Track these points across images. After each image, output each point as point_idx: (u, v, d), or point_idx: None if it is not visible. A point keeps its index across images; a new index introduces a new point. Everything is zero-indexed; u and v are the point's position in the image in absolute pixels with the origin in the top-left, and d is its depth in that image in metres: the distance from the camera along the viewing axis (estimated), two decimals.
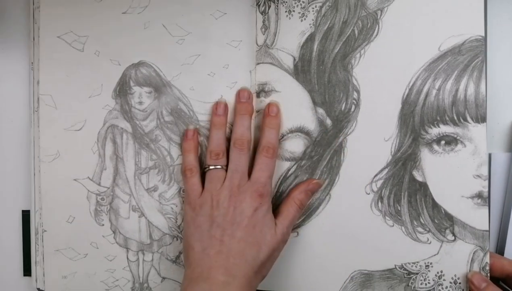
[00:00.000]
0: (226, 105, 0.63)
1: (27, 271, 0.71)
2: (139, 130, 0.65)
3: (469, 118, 0.56)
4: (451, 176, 0.57)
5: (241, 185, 0.59)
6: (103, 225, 0.67)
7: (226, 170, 0.61)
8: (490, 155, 0.61)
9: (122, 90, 0.65)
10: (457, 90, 0.56)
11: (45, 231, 0.67)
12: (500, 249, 0.61)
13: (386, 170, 0.59)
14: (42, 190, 0.67)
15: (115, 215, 0.66)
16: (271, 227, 0.58)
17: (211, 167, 0.61)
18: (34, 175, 0.67)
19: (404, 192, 0.59)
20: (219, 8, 0.63)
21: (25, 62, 0.70)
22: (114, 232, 0.67)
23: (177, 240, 0.66)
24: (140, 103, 0.65)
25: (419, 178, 0.58)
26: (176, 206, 0.65)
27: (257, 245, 0.57)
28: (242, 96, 0.62)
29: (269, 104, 0.62)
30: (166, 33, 0.64)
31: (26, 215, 0.71)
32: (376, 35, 0.59)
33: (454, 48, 0.56)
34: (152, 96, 0.65)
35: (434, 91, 0.57)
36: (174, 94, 0.65)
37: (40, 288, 0.68)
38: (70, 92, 0.66)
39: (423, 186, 0.58)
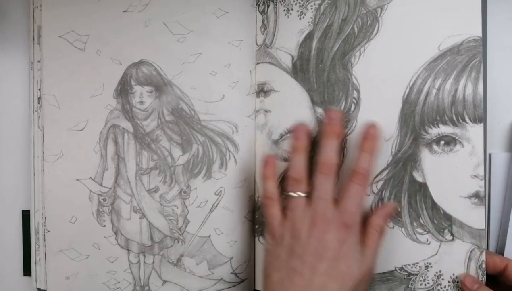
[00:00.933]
0: (307, 128, 0.63)
1: (27, 271, 0.75)
2: (140, 130, 0.69)
3: (467, 119, 0.59)
4: (450, 176, 0.60)
5: (326, 213, 0.58)
6: (105, 226, 0.70)
7: (307, 196, 0.60)
8: (490, 155, 0.64)
9: (123, 89, 0.69)
10: (456, 90, 0.60)
11: (48, 231, 0.70)
12: (500, 249, 0.64)
13: (387, 171, 0.63)
14: (46, 190, 0.70)
15: (116, 216, 0.70)
16: (358, 259, 0.58)
17: (292, 194, 0.61)
18: (34, 174, 0.71)
19: (404, 193, 0.62)
20: (221, 7, 0.67)
21: (25, 62, 0.74)
22: (115, 233, 0.70)
23: (178, 242, 0.69)
24: (141, 102, 0.69)
25: (419, 179, 0.61)
26: (177, 208, 0.69)
27: (340, 279, 0.56)
28: (331, 117, 0.62)
29: (368, 126, 0.61)
30: (167, 31, 0.68)
31: (26, 215, 0.74)
32: (376, 33, 0.62)
33: (453, 47, 0.59)
34: (153, 96, 0.69)
35: (434, 91, 0.60)
36: (175, 94, 0.68)
37: (41, 288, 0.72)
38: (72, 92, 0.70)
39: (423, 187, 0.61)
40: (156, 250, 0.71)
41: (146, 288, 0.71)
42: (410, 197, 0.63)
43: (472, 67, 0.60)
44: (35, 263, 0.72)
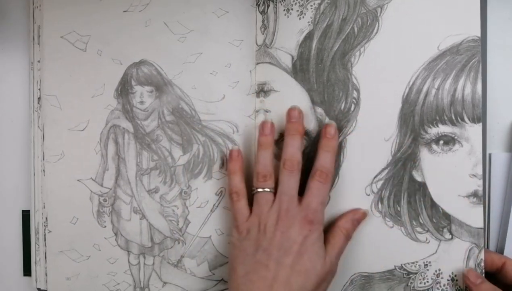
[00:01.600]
0: (273, 125, 0.65)
1: (27, 271, 0.75)
2: (141, 130, 0.70)
3: (466, 118, 0.60)
4: (449, 176, 0.61)
5: (290, 209, 0.60)
6: (105, 226, 0.71)
7: (274, 193, 0.62)
8: (490, 155, 0.65)
9: (123, 89, 0.69)
10: (455, 90, 0.61)
11: (50, 231, 0.71)
12: (500, 248, 0.65)
13: (387, 171, 0.63)
14: (48, 190, 0.71)
15: (117, 217, 0.71)
16: (321, 256, 0.60)
17: (259, 190, 0.63)
18: (34, 174, 0.72)
19: (404, 193, 0.63)
20: (221, 6, 0.67)
21: (25, 62, 0.74)
22: (115, 234, 0.71)
23: (178, 243, 0.70)
24: (142, 102, 0.69)
25: (418, 178, 0.62)
26: (178, 208, 0.70)
27: (304, 274, 0.58)
28: (293, 115, 0.64)
29: (326, 125, 0.63)
30: (168, 31, 0.68)
31: (26, 215, 0.74)
32: (376, 32, 0.63)
33: (452, 47, 0.60)
34: (153, 96, 0.69)
35: (433, 91, 0.61)
36: (176, 93, 0.69)
37: (41, 288, 0.72)
38: (73, 92, 0.70)
39: (422, 186, 0.62)
40: (156, 251, 0.71)
41: (146, 289, 0.72)
42: (410, 196, 0.64)
43: (471, 67, 0.61)
44: (35, 263, 0.73)
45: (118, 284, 0.72)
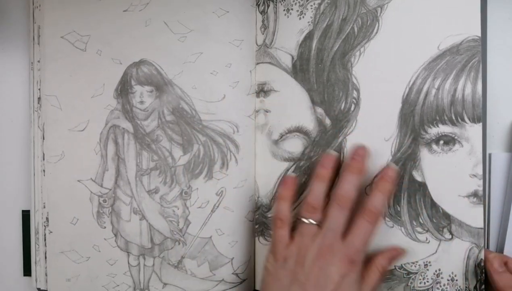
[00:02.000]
0: (335, 159, 0.64)
1: (27, 271, 0.75)
2: (140, 131, 0.70)
3: (466, 118, 0.61)
4: (449, 176, 0.61)
5: (333, 246, 0.59)
6: (105, 227, 0.71)
7: (319, 225, 0.61)
8: (490, 155, 0.65)
9: (123, 89, 0.69)
10: (455, 90, 0.61)
11: (51, 232, 0.71)
12: (499, 248, 0.65)
13: None
14: (48, 190, 0.71)
15: (116, 218, 0.71)
16: None
17: (304, 220, 0.62)
18: (34, 174, 0.72)
19: (404, 193, 0.63)
20: (222, 6, 0.68)
21: (25, 62, 0.74)
22: (115, 235, 0.71)
23: (179, 244, 0.70)
24: (141, 102, 0.69)
25: (418, 178, 0.63)
26: (178, 209, 0.70)
27: None
28: (358, 153, 0.63)
29: (388, 168, 0.63)
30: (168, 30, 0.69)
31: (26, 215, 0.75)
32: (376, 32, 0.63)
33: (452, 47, 0.61)
34: (153, 95, 0.69)
35: (433, 91, 0.61)
36: (176, 93, 0.69)
37: (41, 288, 0.72)
38: (73, 92, 0.70)
39: (422, 186, 0.62)
40: (156, 252, 0.71)
41: None
42: (410, 196, 0.64)
43: (471, 67, 0.61)
44: (35, 263, 0.73)
45: (118, 285, 0.72)
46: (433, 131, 0.63)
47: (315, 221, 0.61)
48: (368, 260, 0.62)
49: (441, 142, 0.62)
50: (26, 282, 0.77)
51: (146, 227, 0.71)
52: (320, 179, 0.63)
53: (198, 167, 0.70)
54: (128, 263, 0.72)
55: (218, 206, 0.71)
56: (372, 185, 0.64)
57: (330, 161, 0.64)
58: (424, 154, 0.63)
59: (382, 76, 0.64)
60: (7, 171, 0.76)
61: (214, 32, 0.69)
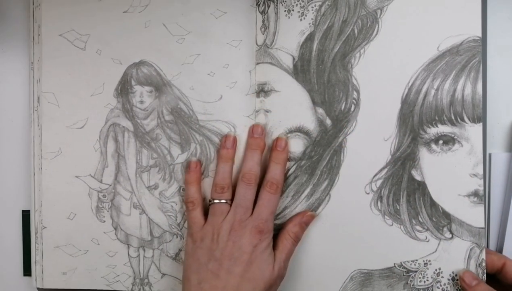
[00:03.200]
0: (235, 139, 0.67)
1: (27, 271, 0.75)
2: (140, 129, 0.69)
3: (466, 118, 0.60)
4: (449, 175, 0.61)
5: (243, 220, 0.62)
6: (104, 221, 0.71)
7: (231, 205, 0.64)
8: (490, 155, 0.65)
9: (123, 89, 0.69)
10: (455, 90, 0.60)
11: (45, 227, 0.70)
12: (499, 248, 0.65)
13: (386, 170, 0.63)
14: (43, 187, 0.70)
15: (116, 212, 0.70)
16: (270, 262, 0.61)
17: (215, 201, 0.64)
18: (34, 174, 0.71)
19: (403, 191, 0.63)
20: (219, 8, 0.67)
21: (25, 62, 0.73)
22: (115, 229, 0.71)
23: (177, 237, 0.70)
24: (141, 102, 0.69)
25: (417, 177, 0.62)
26: (176, 204, 0.70)
27: (253, 281, 0.60)
28: (256, 131, 0.66)
29: (277, 139, 0.65)
30: (167, 32, 0.68)
31: (26, 215, 0.74)
32: (376, 34, 0.62)
33: (452, 48, 0.60)
34: (153, 96, 0.69)
35: (433, 91, 0.61)
36: (174, 94, 0.68)
37: (40, 288, 0.72)
38: (72, 90, 0.70)
39: (422, 185, 0.62)
40: (155, 244, 0.71)
41: (146, 280, 0.72)
42: (409, 195, 0.63)
43: (471, 67, 0.60)
44: (35, 263, 0.72)
45: (118, 276, 0.72)
46: (432, 131, 0.62)
47: (224, 199, 0.64)
48: (282, 229, 0.65)
49: (441, 142, 0.62)
50: (26, 282, 0.76)
51: (146, 220, 0.71)
52: (223, 159, 0.66)
53: None
54: (128, 254, 0.72)
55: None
56: None
57: (229, 141, 0.67)
58: (423, 154, 0.63)
59: (382, 77, 0.63)
60: (7, 171, 0.75)
61: (212, 34, 0.68)
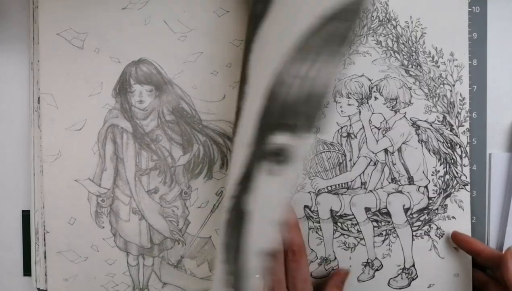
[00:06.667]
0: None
1: (27, 271, 0.73)
2: (140, 130, 0.67)
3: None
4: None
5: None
6: (103, 227, 0.68)
7: None
8: (490, 155, 0.64)
9: (122, 88, 0.67)
10: None
11: (48, 232, 0.68)
12: (499, 247, 0.64)
13: None
14: (45, 190, 0.68)
15: (115, 217, 0.68)
16: None
17: None
18: (34, 174, 0.69)
19: None
20: (222, 6, 0.65)
21: (25, 62, 0.71)
22: (114, 235, 0.68)
23: (178, 244, 0.67)
24: (141, 102, 0.66)
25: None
26: (178, 209, 0.67)
27: None
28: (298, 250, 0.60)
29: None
30: (168, 29, 0.66)
31: (26, 215, 0.72)
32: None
33: None
34: (152, 95, 0.66)
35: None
36: (176, 93, 0.66)
37: (40, 288, 0.70)
38: (70, 91, 0.67)
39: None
40: (155, 252, 0.68)
41: (146, 290, 0.69)
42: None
43: None
44: (35, 263, 0.70)
45: (117, 285, 0.68)
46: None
47: None
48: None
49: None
50: (26, 282, 0.74)
51: (145, 227, 0.68)
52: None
53: (197, 167, 0.67)
54: (127, 263, 0.68)
55: (217, 206, 0.67)
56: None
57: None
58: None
59: None
60: (7, 171, 0.73)
61: (214, 32, 0.66)
